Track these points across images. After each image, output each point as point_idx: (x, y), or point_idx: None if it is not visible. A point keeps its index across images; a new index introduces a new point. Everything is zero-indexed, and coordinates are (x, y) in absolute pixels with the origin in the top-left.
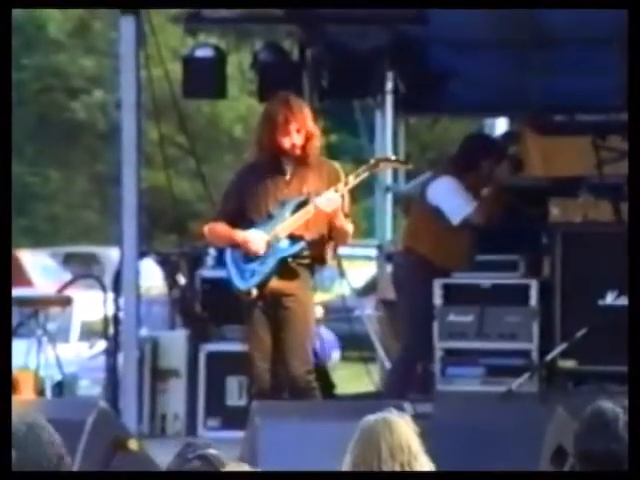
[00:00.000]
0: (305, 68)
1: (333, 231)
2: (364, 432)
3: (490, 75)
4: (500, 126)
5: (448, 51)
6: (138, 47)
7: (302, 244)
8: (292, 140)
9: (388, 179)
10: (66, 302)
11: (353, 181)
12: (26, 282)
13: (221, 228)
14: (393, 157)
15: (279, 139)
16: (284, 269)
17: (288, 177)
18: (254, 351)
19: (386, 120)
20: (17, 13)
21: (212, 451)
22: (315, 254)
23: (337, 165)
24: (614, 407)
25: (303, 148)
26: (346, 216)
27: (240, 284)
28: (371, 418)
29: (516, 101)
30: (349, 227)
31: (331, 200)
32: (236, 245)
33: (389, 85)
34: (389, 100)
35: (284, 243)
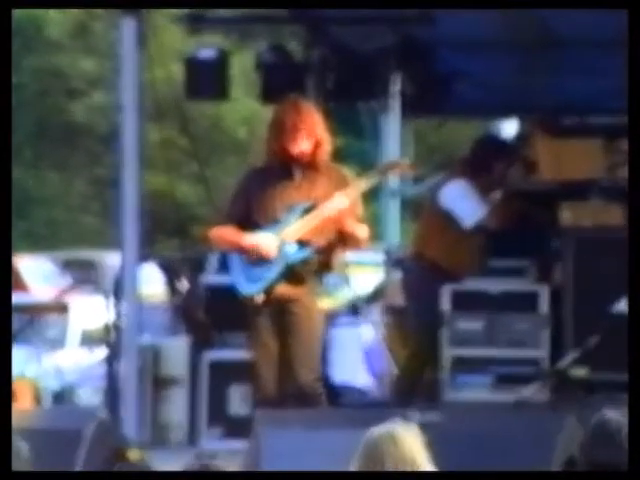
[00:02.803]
0: (309, 70)
1: (345, 236)
2: (368, 446)
3: (497, 77)
4: (508, 128)
5: (455, 53)
6: (139, 48)
7: (310, 249)
8: (301, 147)
9: (395, 183)
10: (62, 309)
11: (364, 186)
12: (21, 287)
13: (229, 232)
14: (404, 161)
15: (287, 145)
16: (291, 274)
17: (297, 182)
18: (259, 358)
19: (392, 122)
20: (17, 15)
21: (215, 463)
22: (322, 260)
23: (346, 171)
24: (619, 417)
25: (312, 154)
26: (359, 220)
27: (245, 289)
28: (375, 432)
29: (523, 103)
30: (362, 231)
31: (340, 205)
32: (244, 250)
33: (395, 87)
34: (395, 102)
35: (292, 248)
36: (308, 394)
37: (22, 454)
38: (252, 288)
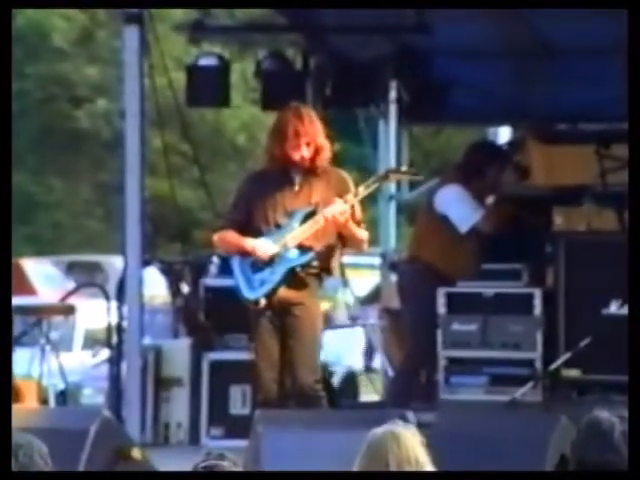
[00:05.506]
0: (308, 77)
1: (346, 240)
2: (371, 445)
3: (493, 84)
4: (503, 135)
5: (451, 61)
6: (142, 56)
7: (311, 254)
8: (301, 153)
9: (392, 188)
10: (69, 311)
11: (363, 192)
12: (29, 290)
13: (231, 236)
14: (404, 168)
15: (288, 151)
16: (293, 279)
17: (296, 188)
18: (261, 361)
19: (389, 129)
20: (21, 23)
21: (224, 463)
22: (323, 264)
23: (345, 173)
24: (610, 417)
25: (312, 160)
26: (358, 223)
27: (248, 294)
28: (378, 431)
29: (518, 110)
30: (363, 234)
31: (340, 211)
32: (245, 253)
33: (392, 94)
34: (392, 109)
35: (293, 253)
36: (309, 395)
37: (42, 452)
38: (255, 293)
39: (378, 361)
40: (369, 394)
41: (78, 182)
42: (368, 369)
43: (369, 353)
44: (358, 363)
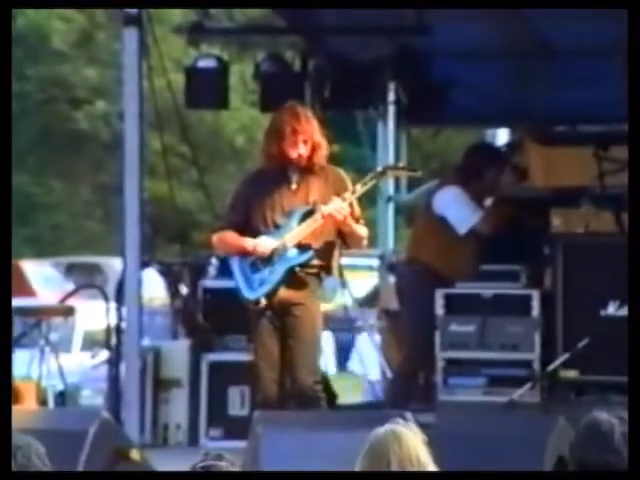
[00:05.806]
0: (307, 79)
1: (346, 237)
2: (373, 445)
3: (492, 86)
4: (502, 136)
5: (450, 62)
6: (141, 58)
7: (310, 253)
8: (299, 151)
9: (390, 189)
10: (69, 312)
11: (361, 189)
12: (29, 292)
13: (230, 237)
14: (401, 164)
15: (286, 150)
16: (292, 278)
17: (294, 187)
18: (260, 361)
19: (388, 130)
20: (21, 24)
21: (222, 463)
22: (322, 263)
23: (342, 172)
24: (609, 418)
25: (309, 158)
26: (357, 220)
27: (248, 294)
28: (380, 431)
29: (518, 112)
30: (362, 231)
31: (338, 208)
32: (246, 253)
33: (391, 96)
34: (391, 111)
35: (292, 252)
36: (308, 396)
37: (40, 452)
38: (255, 293)
39: (355, 363)
40: (345, 397)
41: (78, 183)
42: (342, 372)
43: (344, 355)
44: (330, 367)
